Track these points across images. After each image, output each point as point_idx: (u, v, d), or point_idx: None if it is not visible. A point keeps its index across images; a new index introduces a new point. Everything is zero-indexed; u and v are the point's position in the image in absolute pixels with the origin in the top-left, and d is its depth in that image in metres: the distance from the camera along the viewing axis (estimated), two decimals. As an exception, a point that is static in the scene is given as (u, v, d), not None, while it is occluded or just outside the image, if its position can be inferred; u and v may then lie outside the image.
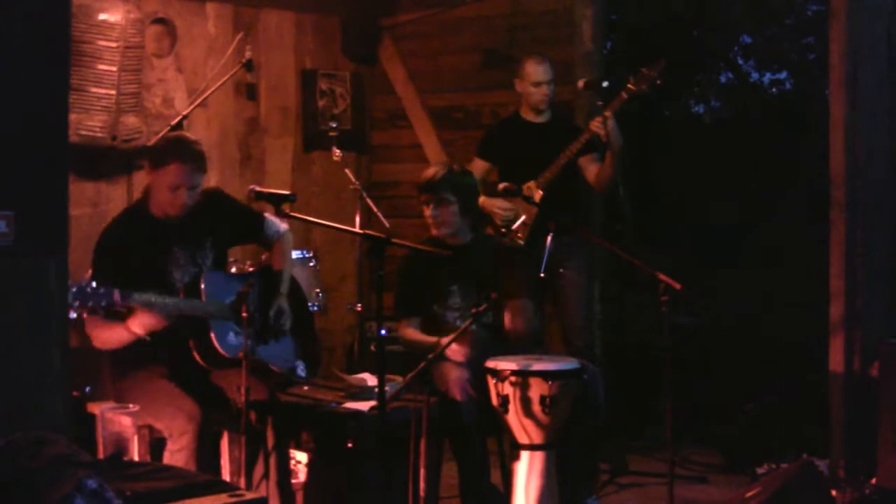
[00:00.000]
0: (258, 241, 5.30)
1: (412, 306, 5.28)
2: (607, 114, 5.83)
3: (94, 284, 4.40)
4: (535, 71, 6.25)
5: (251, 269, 5.63)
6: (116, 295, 4.49)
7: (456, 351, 4.96)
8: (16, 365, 3.94)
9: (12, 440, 3.41)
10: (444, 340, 4.82)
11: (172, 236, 4.92)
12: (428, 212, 5.24)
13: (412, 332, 5.25)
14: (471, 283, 5.24)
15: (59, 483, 3.23)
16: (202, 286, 4.81)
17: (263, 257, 5.96)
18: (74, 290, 4.34)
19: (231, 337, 4.80)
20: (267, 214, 5.12)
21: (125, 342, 4.77)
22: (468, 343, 4.96)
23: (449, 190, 5.21)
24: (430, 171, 5.28)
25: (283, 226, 5.22)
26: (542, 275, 5.93)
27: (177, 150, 4.83)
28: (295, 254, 6.03)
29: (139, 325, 4.67)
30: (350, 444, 4.66)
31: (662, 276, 4.70)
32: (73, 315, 4.34)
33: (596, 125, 5.89)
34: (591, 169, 6.17)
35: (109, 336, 4.78)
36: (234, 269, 5.74)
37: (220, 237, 5.10)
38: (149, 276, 4.79)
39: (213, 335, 4.75)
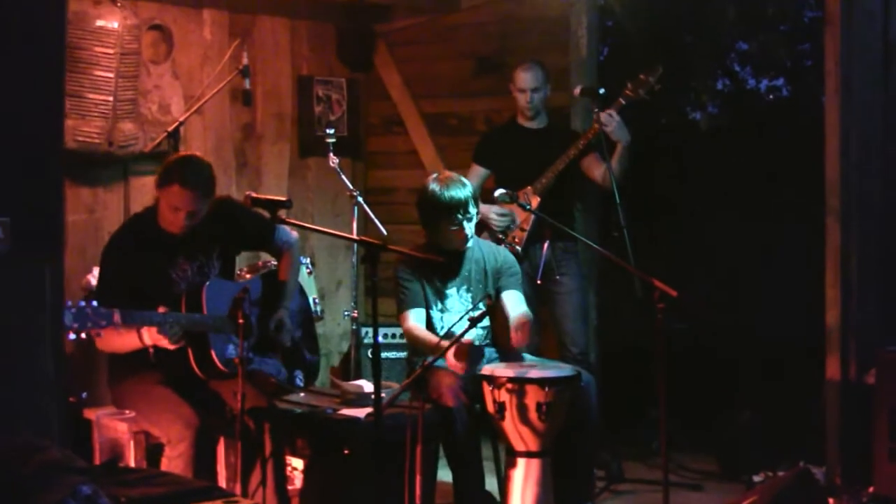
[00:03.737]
0: (268, 250, 5.25)
1: (415, 300, 5.21)
2: (612, 111, 5.87)
3: (94, 304, 4.26)
4: (520, 77, 6.28)
5: (248, 276, 5.61)
6: (117, 316, 4.34)
7: (454, 365, 4.91)
8: (10, 371, 3.94)
9: (4, 447, 3.41)
10: (444, 344, 4.78)
11: (178, 249, 4.85)
12: (462, 232, 5.15)
13: (415, 327, 5.15)
14: (468, 287, 5.24)
15: (53, 489, 3.23)
16: (203, 296, 4.73)
17: (260, 263, 5.96)
18: (74, 311, 4.18)
19: (230, 349, 4.74)
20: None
21: (133, 349, 4.71)
22: (465, 358, 4.86)
23: (476, 205, 5.24)
24: (453, 189, 5.13)
25: (293, 234, 5.16)
26: (538, 281, 5.97)
27: (180, 172, 4.69)
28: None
29: (152, 337, 4.61)
30: (346, 451, 4.66)
31: (658, 283, 4.68)
32: (73, 336, 4.19)
33: (605, 118, 5.88)
34: (595, 168, 6.13)
35: (121, 342, 4.69)
36: (248, 275, 5.66)
37: (229, 247, 5.06)
38: (153, 284, 4.75)
39: (211, 348, 4.70)
